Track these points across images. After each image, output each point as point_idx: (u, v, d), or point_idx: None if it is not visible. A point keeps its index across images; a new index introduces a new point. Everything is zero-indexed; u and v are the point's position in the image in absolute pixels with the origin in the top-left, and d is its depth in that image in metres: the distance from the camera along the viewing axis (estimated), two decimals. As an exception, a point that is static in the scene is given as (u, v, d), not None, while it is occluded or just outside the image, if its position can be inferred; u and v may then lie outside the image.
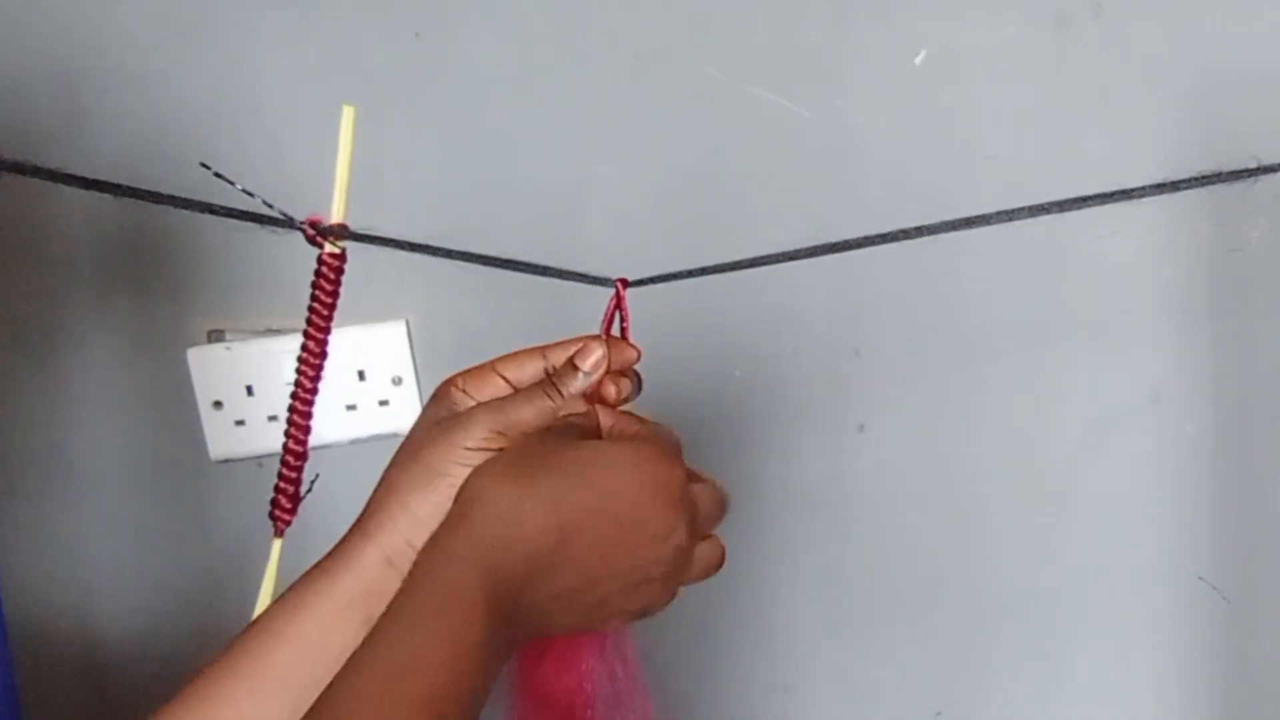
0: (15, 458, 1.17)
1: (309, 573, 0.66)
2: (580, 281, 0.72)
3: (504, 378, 0.70)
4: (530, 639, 0.63)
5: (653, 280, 0.72)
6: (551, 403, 0.68)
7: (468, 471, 0.64)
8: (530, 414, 0.67)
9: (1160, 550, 1.13)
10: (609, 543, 0.63)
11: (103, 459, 1.16)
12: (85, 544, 1.17)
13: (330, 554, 0.67)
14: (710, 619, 1.17)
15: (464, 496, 0.62)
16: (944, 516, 1.15)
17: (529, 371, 0.70)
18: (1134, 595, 1.14)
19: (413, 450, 0.67)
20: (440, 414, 0.68)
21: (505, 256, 0.72)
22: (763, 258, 0.71)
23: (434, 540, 0.61)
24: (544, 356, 0.70)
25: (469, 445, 0.65)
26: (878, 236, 0.68)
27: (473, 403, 0.68)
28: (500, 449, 0.65)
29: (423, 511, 0.64)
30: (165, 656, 1.16)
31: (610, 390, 0.69)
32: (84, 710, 1.19)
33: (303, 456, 0.73)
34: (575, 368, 0.69)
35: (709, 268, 0.72)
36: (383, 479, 0.67)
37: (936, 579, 1.16)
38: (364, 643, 0.57)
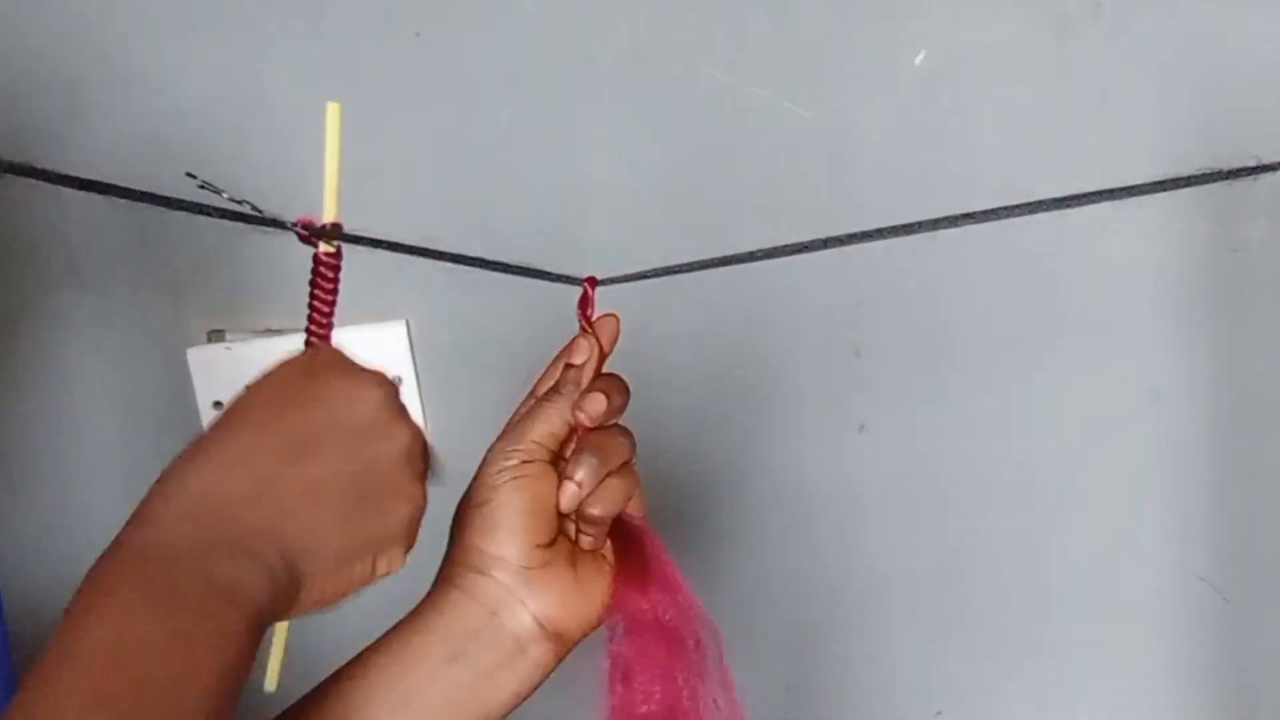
0: (15, 458, 1.17)
1: (402, 634, 0.66)
2: (550, 280, 0.71)
3: None
4: (304, 580, 0.55)
5: (622, 279, 0.71)
6: (556, 406, 0.67)
7: (505, 493, 0.64)
8: (542, 427, 0.67)
9: (1160, 550, 1.13)
10: (281, 423, 0.56)
11: (103, 459, 1.16)
12: (85, 544, 1.17)
13: (421, 612, 0.66)
14: (712, 619, 1.17)
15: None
16: (944, 516, 1.15)
17: None
18: (1134, 595, 1.14)
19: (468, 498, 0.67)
20: None
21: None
22: (735, 255, 0.71)
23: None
24: (535, 397, 0.70)
25: (497, 469, 0.66)
26: (864, 234, 0.68)
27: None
28: (525, 462, 0.65)
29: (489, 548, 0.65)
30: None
31: (582, 413, 0.67)
32: (84, 710, 1.18)
33: None
34: (570, 366, 0.69)
35: (678, 266, 0.72)
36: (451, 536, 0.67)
37: (936, 579, 1.16)
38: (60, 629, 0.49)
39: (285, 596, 0.54)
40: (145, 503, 0.55)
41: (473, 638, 0.65)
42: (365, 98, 1.09)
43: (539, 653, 0.65)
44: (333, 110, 0.65)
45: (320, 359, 0.61)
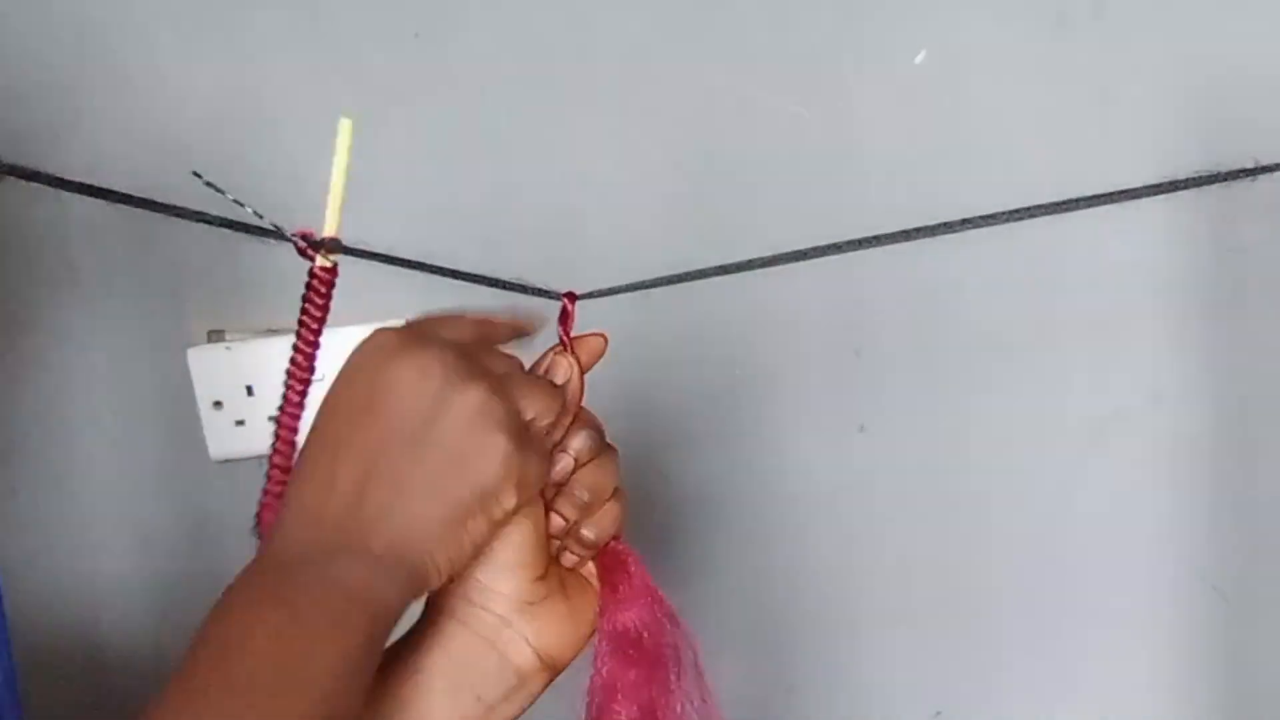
0: (15, 458, 1.17)
1: (400, 661, 0.65)
2: (528, 294, 0.71)
3: None
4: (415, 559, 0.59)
5: (600, 293, 0.72)
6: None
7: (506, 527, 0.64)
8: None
9: (1160, 550, 1.13)
10: (363, 414, 0.60)
11: (103, 459, 1.16)
12: (86, 544, 1.17)
13: (419, 644, 0.66)
14: (713, 619, 1.17)
15: None
16: (944, 517, 1.15)
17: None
18: (1134, 595, 1.14)
19: None
20: None
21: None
22: (725, 266, 0.71)
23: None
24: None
25: None
26: (863, 240, 0.68)
27: None
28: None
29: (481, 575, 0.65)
30: (166, 656, 1.16)
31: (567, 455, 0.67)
32: (86, 710, 1.18)
33: (289, 470, 0.69)
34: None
35: (658, 279, 0.72)
36: None
37: (936, 579, 1.16)
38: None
39: (411, 580, 0.59)
40: (276, 523, 0.62)
41: (475, 671, 0.64)
42: (364, 98, 1.09)
43: (537, 683, 0.66)
44: (344, 127, 0.64)
45: (371, 355, 0.62)
